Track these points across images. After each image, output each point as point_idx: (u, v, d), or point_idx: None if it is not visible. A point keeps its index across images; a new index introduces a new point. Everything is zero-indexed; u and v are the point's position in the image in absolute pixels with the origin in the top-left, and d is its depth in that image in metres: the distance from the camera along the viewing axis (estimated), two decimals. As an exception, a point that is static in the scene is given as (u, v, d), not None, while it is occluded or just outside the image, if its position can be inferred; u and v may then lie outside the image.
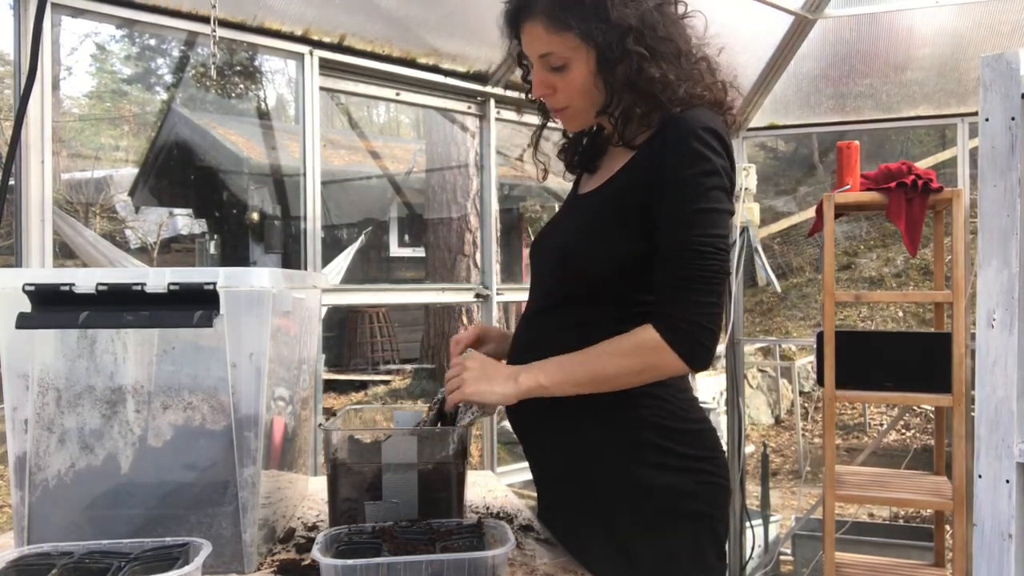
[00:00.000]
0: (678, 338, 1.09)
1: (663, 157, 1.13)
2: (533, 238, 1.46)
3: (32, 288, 0.97)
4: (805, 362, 7.67)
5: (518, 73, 1.39)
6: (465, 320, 7.53)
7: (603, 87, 1.18)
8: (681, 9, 1.22)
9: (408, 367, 8.98)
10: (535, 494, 1.50)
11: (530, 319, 1.30)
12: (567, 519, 1.24)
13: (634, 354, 1.10)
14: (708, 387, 6.84)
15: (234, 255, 9.04)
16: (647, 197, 1.14)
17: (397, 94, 2.62)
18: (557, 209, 1.50)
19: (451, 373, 1.18)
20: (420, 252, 9.78)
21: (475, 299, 2.83)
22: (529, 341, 1.27)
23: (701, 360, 1.10)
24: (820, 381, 2.72)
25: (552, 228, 1.36)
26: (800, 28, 2.99)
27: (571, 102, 1.21)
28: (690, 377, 1.29)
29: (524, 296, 1.57)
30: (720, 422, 4.97)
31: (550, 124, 1.35)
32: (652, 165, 1.15)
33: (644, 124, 1.19)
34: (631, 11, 1.13)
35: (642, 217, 1.15)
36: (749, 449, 6.73)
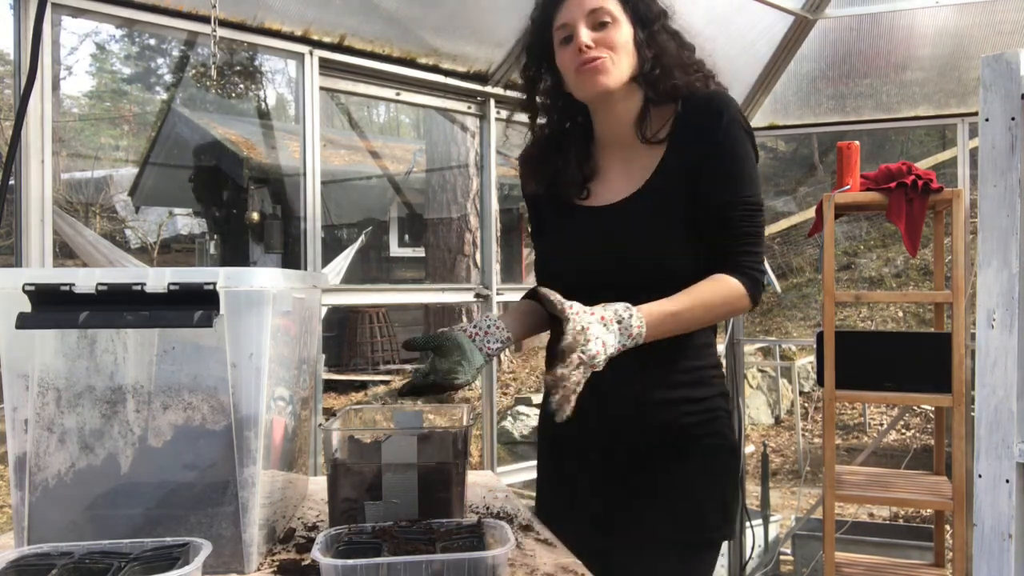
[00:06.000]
0: (751, 286, 1.26)
1: (714, 133, 1.26)
2: (538, 255, 1.45)
3: (32, 288, 0.97)
4: (805, 362, 7.67)
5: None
6: (465, 320, 7.52)
7: (636, 54, 1.29)
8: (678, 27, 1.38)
9: (408, 367, 8.97)
10: (535, 494, 1.50)
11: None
12: (653, 476, 1.31)
13: (724, 305, 1.24)
14: (708, 387, 6.80)
15: (234, 255, 9.03)
16: (698, 176, 1.26)
17: (397, 94, 2.62)
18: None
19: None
20: (420, 252, 9.78)
21: (475, 299, 2.83)
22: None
23: (757, 302, 1.28)
24: (820, 381, 2.71)
25: (584, 242, 1.34)
26: (800, 28, 2.99)
27: (608, 54, 1.27)
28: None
29: (524, 296, 1.56)
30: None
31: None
32: (703, 143, 1.26)
33: (660, 118, 1.32)
34: (656, 8, 1.33)
35: (694, 200, 1.28)
36: (749, 449, 6.73)
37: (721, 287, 1.24)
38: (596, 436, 1.33)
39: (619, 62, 1.28)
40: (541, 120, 1.44)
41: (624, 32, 1.28)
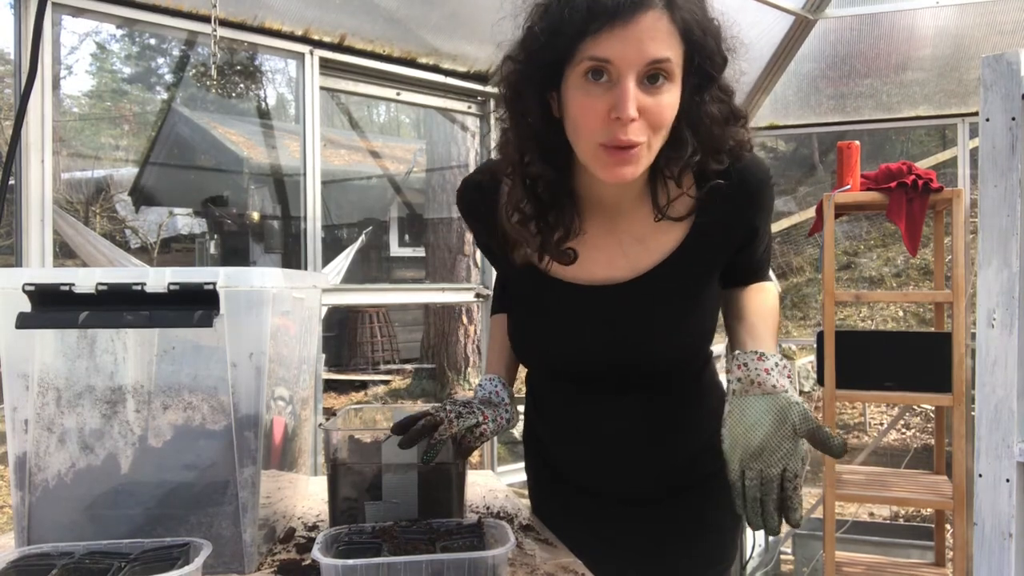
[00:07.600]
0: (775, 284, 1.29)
1: (756, 209, 1.12)
2: (529, 332, 1.23)
3: (32, 288, 0.97)
4: (805, 362, 7.67)
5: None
6: (465, 320, 7.52)
7: (674, 126, 1.00)
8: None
9: (408, 367, 8.99)
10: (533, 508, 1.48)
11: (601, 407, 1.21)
12: (677, 512, 1.27)
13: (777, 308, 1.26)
14: (708, 387, 6.81)
15: (234, 255, 9.05)
16: (738, 250, 1.16)
17: (397, 94, 2.62)
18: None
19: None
20: (420, 252, 9.79)
21: (475, 299, 2.83)
22: (615, 430, 1.22)
23: None
24: (820, 381, 2.71)
25: (592, 325, 1.14)
26: (800, 28, 2.99)
27: (653, 134, 0.97)
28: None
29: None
30: (720, 422, 4.95)
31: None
32: (744, 220, 1.11)
33: (674, 188, 1.08)
34: (720, 63, 1.06)
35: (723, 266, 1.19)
36: (749, 449, 6.71)
37: (771, 295, 1.23)
38: (613, 479, 1.27)
39: (654, 146, 0.98)
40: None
41: (673, 97, 0.97)
